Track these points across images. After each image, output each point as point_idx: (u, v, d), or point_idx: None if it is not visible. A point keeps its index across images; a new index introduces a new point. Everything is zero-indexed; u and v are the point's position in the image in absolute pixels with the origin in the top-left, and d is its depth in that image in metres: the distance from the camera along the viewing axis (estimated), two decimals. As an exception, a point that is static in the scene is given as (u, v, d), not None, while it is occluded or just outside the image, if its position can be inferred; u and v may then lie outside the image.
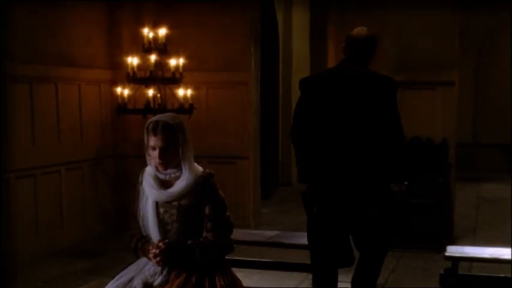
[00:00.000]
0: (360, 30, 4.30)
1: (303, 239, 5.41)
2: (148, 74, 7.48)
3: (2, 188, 6.53)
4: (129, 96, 7.56)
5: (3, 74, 6.58)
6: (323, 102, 4.24)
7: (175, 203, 3.37)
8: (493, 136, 14.02)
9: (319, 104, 4.25)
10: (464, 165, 11.89)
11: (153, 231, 3.41)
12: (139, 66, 7.50)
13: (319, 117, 4.25)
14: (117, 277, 3.44)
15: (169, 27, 7.65)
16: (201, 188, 3.35)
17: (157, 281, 3.31)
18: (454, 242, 7.03)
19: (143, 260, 3.45)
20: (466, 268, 6.07)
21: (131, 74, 7.41)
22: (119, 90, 7.58)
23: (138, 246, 3.47)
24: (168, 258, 3.31)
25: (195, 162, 3.44)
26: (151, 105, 7.42)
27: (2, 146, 6.53)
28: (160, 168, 3.39)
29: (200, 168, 3.42)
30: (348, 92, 4.20)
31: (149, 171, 3.45)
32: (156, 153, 3.34)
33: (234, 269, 3.56)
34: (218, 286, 3.31)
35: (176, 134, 3.33)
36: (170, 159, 3.35)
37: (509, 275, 5.23)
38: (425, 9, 7.50)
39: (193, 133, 3.49)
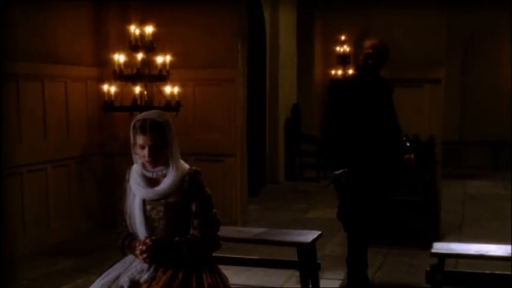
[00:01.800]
0: (379, 40, 5.30)
1: (290, 236, 5.45)
2: (135, 71, 7.46)
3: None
4: (116, 94, 7.54)
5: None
6: (356, 105, 5.16)
7: (162, 200, 3.36)
8: (479, 133, 14.11)
9: (353, 107, 5.15)
10: (451, 163, 11.97)
11: (140, 229, 3.40)
12: (126, 64, 7.48)
13: (353, 118, 5.14)
14: (103, 275, 3.43)
15: (156, 25, 7.64)
16: (187, 185, 3.35)
17: (144, 277, 3.30)
18: (440, 239, 7.06)
19: (130, 257, 3.45)
20: (452, 265, 6.10)
21: (118, 71, 7.39)
22: (105, 87, 7.56)
23: (125, 243, 3.47)
24: (155, 255, 3.30)
25: (182, 159, 3.44)
26: (138, 102, 7.41)
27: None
28: (149, 166, 3.38)
29: (187, 166, 3.42)
30: (374, 96, 5.25)
31: (136, 169, 3.44)
32: (145, 151, 3.32)
33: (221, 266, 3.56)
34: (205, 283, 3.31)
35: (165, 132, 3.33)
36: (159, 157, 3.35)
37: (495, 271, 5.27)
38: (412, 8, 7.52)
39: (180, 130, 3.49)
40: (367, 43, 5.26)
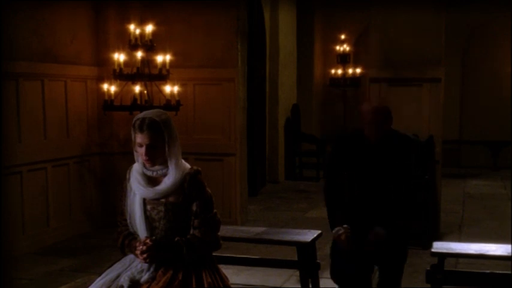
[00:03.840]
0: (375, 104, 4.65)
1: (289, 235, 5.44)
2: (135, 70, 7.46)
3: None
4: (116, 93, 7.53)
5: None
6: (355, 162, 4.63)
7: (162, 200, 3.36)
8: (478, 133, 14.11)
9: (353, 162, 4.64)
10: (450, 162, 11.98)
11: (140, 228, 3.40)
12: (126, 63, 7.47)
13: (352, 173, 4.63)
14: (103, 274, 3.42)
15: (156, 24, 7.64)
16: (188, 185, 3.35)
17: (144, 277, 3.30)
18: (440, 238, 7.07)
19: (130, 257, 3.45)
20: (452, 264, 6.11)
21: (118, 70, 7.39)
22: (105, 86, 7.55)
23: (125, 243, 3.47)
24: (155, 255, 3.30)
25: (182, 159, 3.44)
26: (138, 101, 7.41)
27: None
28: (147, 165, 3.39)
29: (187, 165, 3.42)
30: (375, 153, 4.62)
31: (137, 168, 3.44)
32: (142, 150, 3.33)
33: (221, 266, 3.57)
34: (205, 283, 3.31)
35: (162, 131, 3.32)
36: (157, 156, 3.35)
37: (495, 271, 5.27)
38: (411, 8, 7.52)
39: (179, 130, 3.49)
40: (366, 107, 4.64)
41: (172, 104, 7.39)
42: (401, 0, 7.61)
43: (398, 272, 4.69)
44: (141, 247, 3.30)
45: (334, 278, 4.70)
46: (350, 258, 4.49)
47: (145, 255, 3.29)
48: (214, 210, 3.44)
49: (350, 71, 14.24)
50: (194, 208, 3.37)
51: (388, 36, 7.60)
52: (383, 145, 4.66)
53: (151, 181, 3.39)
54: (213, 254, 3.51)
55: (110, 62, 7.71)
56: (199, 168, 3.43)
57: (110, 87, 7.52)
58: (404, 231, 4.71)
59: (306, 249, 5.22)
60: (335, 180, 4.72)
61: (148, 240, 3.31)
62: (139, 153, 3.37)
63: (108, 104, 7.50)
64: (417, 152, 4.86)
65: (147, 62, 7.54)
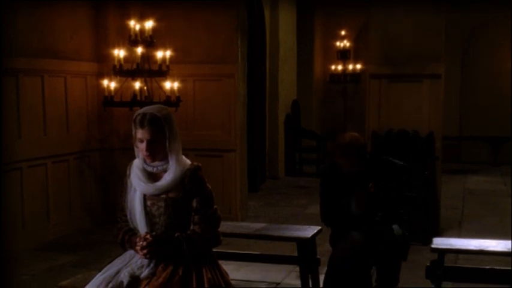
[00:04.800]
0: (354, 137, 4.65)
1: (289, 231, 5.44)
2: (134, 66, 7.45)
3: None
4: (116, 89, 7.52)
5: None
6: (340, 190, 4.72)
7: (163, 196, 3.36)
8: (478, 129, 14.11)
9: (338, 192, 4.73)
10: (450, 158, 11.98)
11: (141, 224, 3.40)
12: (125, 59, 7.47)
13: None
14: (103, 270, 3.43)
15: (156, 20, 7.63)
16: (188, 181, 3.35)
17: (144, 273, 3.31)
18: (440, 234, 7.07)
19: (130, 252, 3.45)
20: (452, 260, 6.11)
21: (118, 66, 7.38)
22: (105, 82, 7.54)
23: (125, 238, 3.47)
24: (155, 251, 3.31)
25: (182, 155, 3.44)
26: (138, 97, 7.40)
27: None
28: (147, 161, 3.39)
29: (188, 161, 3.42)
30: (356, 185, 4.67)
31: (137, 163, 3.44)
32: (143, 145, 3.33)
33: (221, 262, 3.57)
34: (205, 279, 3.32)
35: (163, 126, 3.32)
36: (157, 151, 3.35)
37: (495, 267, 5.27)
38: (411, 7, 7.51)
39: (179, 126, 3.49)
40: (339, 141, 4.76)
41: (172, 100, 7.39)
42: (401, 0, 7.60)
43: (396, 269, 4.73)
44: (141, 243, 3.31)
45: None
46: (346, 262, 4.57)
47: (145, 251, 3.29)
48: (215, 206, 3.45)
49: (350, 67, 14.24)
50: (194, 204, 3.37)
51: (388, 36, 7.60)
52: (362, 177, 4.70)
53: (152, 177, 3.40)
54: (213, 249, 3.51)
55: (109, 58, 7.70)
56: (200, 164, 3.43)
57: (110, 83, 7.51)
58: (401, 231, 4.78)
59: (306, 245, 5.23)
60: (331, 206, 4.82)
61: (148, 236, 3.32)
62: (140, 148, 3.37)
63: (108, 100, 7.49)
64: (400, 174, 4.85)
65: (147, 58, 7.53)
